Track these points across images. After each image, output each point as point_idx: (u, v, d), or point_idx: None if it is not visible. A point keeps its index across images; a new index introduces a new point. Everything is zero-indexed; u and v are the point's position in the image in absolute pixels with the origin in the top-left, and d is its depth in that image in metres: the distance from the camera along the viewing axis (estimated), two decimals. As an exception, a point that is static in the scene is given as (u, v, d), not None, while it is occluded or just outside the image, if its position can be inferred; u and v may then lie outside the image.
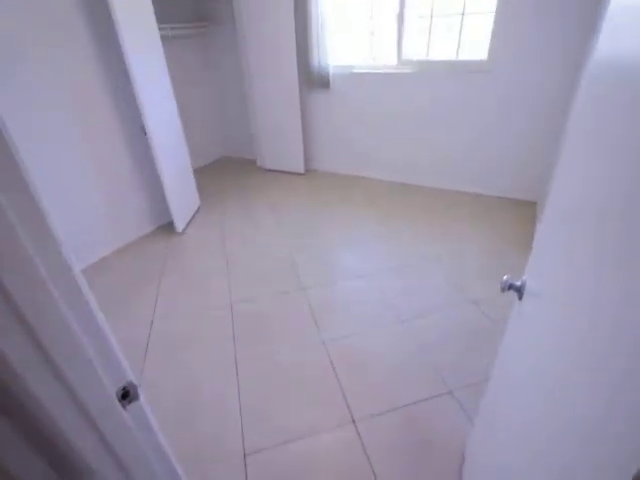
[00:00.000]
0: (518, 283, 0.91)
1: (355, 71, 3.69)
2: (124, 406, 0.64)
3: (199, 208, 3.66)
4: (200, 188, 3.81)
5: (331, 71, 3.72)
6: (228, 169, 4.75)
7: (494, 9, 2.88)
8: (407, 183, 3.93)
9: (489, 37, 2.98)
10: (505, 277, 0.92)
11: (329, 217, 3.36)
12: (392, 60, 3.50)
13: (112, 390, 0.61)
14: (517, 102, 3.07)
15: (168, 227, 3.31)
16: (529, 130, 3.12)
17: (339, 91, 3.84)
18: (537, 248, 0.90)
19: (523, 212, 3.24)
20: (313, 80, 3.82)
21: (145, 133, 2.72)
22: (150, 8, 2.81)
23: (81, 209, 2.76)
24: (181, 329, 2.20)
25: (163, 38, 3.64)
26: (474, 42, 3.12)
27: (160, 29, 3.53)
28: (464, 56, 3.20)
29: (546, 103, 2.96)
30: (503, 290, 0.92)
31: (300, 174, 4.34)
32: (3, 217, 0.40)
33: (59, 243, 0.50)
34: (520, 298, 0.90)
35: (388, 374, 1.83)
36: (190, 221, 3.42)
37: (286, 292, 2.44)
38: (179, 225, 3.19)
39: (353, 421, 1.62)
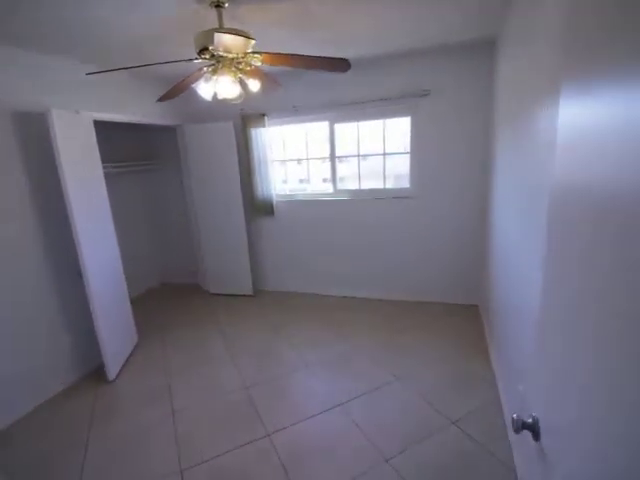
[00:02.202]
0: (529, 420, 0.87)
1: (296, 199, 4.03)
2: None
3: (137, 345, 3.25)
4: (139, 320, 3.45)
5: (274, 199, 4.01)
6: (171, 295, 4.46)
7: (409, 150, 3.52)
8: (353, 296, 4.02)
9: (408, 170, 3.56)
10: (514, 415, 0.88)
11: (284, 341, 3.19)
12: (329, 189, 3.93)
13: None
14: (441, 221, 3.53)
15: (97, 374, 2.82)
16: (458, 243, 3.53)
17: (283, 216, 4.09)
18: (542, 379, 0.89)
19: (467, 315, 3.43)
20: (258, 208, 4.05)
21: (80, 276, 2.49)
22: (96, 153, 2.89)
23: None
24: (114, 522, 1.68)
25: (106, 175, 3.70)
26: (399, 174, 3.69)
27: (103, 167, 3.62)
28: (390, 185, 3.72)
29: (465, 223, 3.45)
30: (517, 431, 0.87)
31: (249, 296, 4.22)
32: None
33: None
34: (537, 439, 0.85)
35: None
36: (126, 362, 2.97)
37: (249, 442, 2.08)
38: (111, 371, 2.74)
39: None
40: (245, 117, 3.83)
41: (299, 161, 4.12)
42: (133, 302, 4.19)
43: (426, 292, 3.76)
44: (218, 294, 4.32)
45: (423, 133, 3.39)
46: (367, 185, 3.82)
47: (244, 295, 4.23)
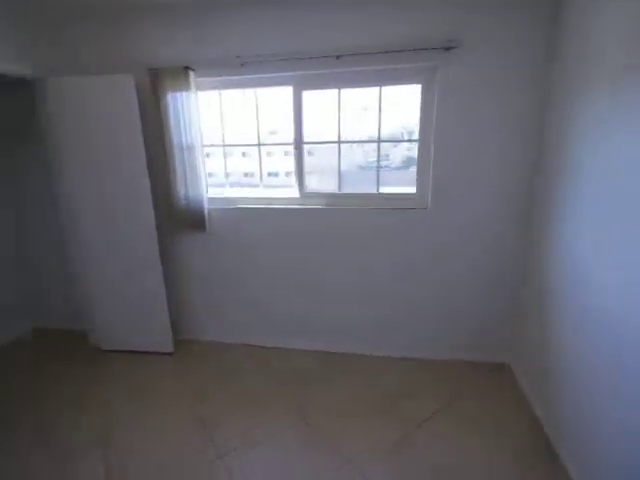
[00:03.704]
0: None
1: (241, 206, 2.64)
2: None
3: None
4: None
5: (206, 206, 2.58)
6: (41, 354, 2.80)
7: (417, 137, 2.31)
8: (328, 351, 2.72)
9: (415, 168, 2.36)
10: None
11: (216, 461, 1.80)
12: (292, 192, 2.59)
13: None
14: (460, 245, 2.37)
15: None
16: (484, 279, 2.40)
17: (221, 232, 2.67)
18: None
19: (496, 384, 2.31)
20: (181, 219, 2.58)
21: None
22: None
23: None
24: None
25: None
26: (400, 177, 2.48)
27: None
28: (385, 189, 2.49)
29: (497, 248, 2.33)
30: None
31: (167, 354, 2.74)
32: None
33: None
34: None
35: None
36: None
37: None
38: None
39: None
40: (157, 72, 2.35)
41: (244, 153, 2.75)
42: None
43: (433, 346, 2.59)
44: (115, 351, 2.77)
45: (442, 108, 2.20)
46: (350, 189, 2.55)
47: (158, 353, 2.73)
